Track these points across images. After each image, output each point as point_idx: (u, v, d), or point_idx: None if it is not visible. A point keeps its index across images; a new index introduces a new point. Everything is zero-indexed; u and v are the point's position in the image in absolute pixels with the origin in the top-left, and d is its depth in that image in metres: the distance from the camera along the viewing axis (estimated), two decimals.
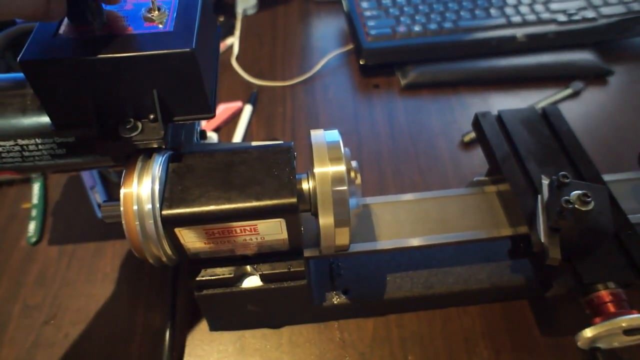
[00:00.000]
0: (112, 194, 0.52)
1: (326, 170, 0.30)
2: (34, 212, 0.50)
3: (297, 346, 0.41)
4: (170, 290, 0.42)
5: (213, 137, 0.58)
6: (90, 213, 0.50)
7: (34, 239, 0.48)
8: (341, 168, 0.30)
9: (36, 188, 0.52)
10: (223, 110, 0.60)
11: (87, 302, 0.44)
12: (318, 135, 0.32)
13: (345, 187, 0.30)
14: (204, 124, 0.57)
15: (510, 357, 0.39)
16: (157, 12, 0.29)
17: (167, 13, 0.29)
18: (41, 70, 0.27)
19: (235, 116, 0.60)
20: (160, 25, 0.29)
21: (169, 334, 0.40)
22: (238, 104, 0.61)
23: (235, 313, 0.39)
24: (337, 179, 0.30)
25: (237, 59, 0.68)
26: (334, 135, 0.32)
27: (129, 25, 0.29)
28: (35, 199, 0.51)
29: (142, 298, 0.44)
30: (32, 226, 0.49)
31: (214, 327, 0.41)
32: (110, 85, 0.28)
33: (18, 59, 0.26)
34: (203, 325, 0.42)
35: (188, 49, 0.27)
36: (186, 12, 0.29)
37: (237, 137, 0.58)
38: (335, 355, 0.40)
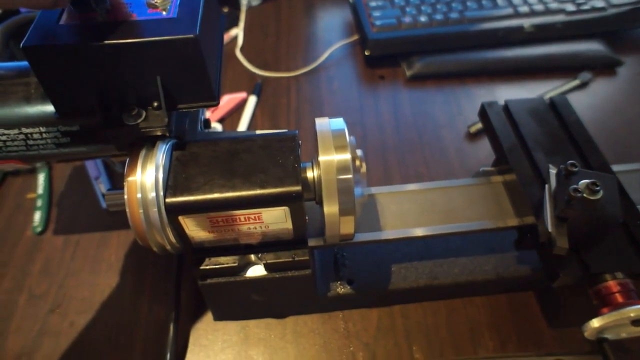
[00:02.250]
0: (116, 184, 0.52)
1: (331, 158, 0.30)
2: (39, 202, 0.50)
3: (301, 336, 0.41)
4: (175, 279, 0.42)
5: (217, 127, 0.58)
6: (95, 203, 0.50)
7: (39, 229, 0.48)
8: (346, 156, 0.30)
9: (41, 178, 0.52)
10: (227, 101, 0.59)
11: (92, 291, 0.44)
12: (323, 123, 0.32)
13: (350, 175, 0.30)
14: (208, 113, 0.57)
15: (515, 348, 0.39)
16: None
17: (170, 0, 0.29)
18: (44, 56, 0.27)
19: (240, 107, 0.60)
20: (164, 12, 0.28)
21: (173, 324, 0.40)
22: (242, 94, 0.61)
23: (239, 303, 0.39)
24: (342, 167, 0.30)
25: (242, 50, 0.67)
26: (339, 123, 0.32)
27: (133, 11, 0.28)
28: (40, 189, 0.51)
29: (146, 287, 0.44)
30: (37, 216, 0.49)
31: (218, 316, 0.41)
32: (113, 72, 0.28)
33: (21, 44, 0.26)
34: (207, 315, 0.42)
35: (192, 35, 0.27)
36: None
37: (242, 127, 0.57)
38: (340, 345, 0.40)
